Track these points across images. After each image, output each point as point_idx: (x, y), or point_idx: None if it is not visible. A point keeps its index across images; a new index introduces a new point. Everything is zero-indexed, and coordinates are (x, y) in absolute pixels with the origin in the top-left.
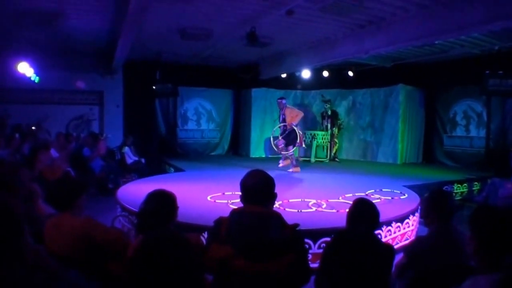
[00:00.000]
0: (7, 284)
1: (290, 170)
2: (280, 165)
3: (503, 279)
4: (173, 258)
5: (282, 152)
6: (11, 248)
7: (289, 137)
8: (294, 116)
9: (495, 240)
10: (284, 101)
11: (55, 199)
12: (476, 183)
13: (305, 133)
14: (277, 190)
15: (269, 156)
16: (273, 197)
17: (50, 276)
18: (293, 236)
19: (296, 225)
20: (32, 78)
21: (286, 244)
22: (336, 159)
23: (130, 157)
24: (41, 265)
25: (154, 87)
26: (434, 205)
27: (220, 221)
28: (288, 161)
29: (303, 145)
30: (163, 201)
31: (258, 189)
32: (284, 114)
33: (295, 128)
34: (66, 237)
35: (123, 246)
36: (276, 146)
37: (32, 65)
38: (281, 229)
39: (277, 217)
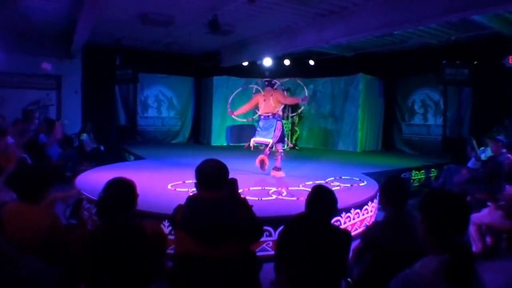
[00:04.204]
0: None
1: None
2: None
3: (450, 259)
4: (125, 246)
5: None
6: None
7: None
8: None
9: (443, 223)
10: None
11: (22, 188)
12: (433, 169)
13: None
14: (238, 178)
15: (231, 144)
16: (225, 182)
17: (8, 262)
18: (247, 217)
19: (250, 206)
20: None
21: (240, 226)
22: (296, 147)
23: (89, 145)
24: None
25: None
26: (389, 190)
27: (177, 208)
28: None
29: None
30: (122, 189)
31: (211, 175)
32: None
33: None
34: (29, 226)
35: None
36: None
37: None
38: (233, 212)
39: (230, 200)
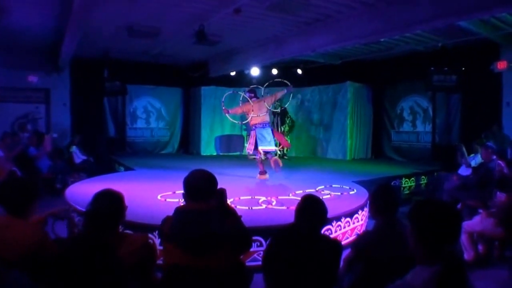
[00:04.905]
0: None
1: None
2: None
3: (442, 269)
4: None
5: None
6: None
7: None
8: None
9: (433, 232)
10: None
11: (8, 201)
12: (423, 177)
13: None
14: (227, 187)
15: (220, 154)
16: (213, 193)
17: None
18: (235, 228)
19: (239, 216)
20: None
21: (228, 237)
22: (285, 157)
23: (78, 156)
24: None
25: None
26: (378, 199)
27: (165, 220)
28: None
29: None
30: (110, 201)
31: (199, 186)
32: None
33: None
34: (16, 240)
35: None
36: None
37: None
38: (222, 222)
39: (218, 211)
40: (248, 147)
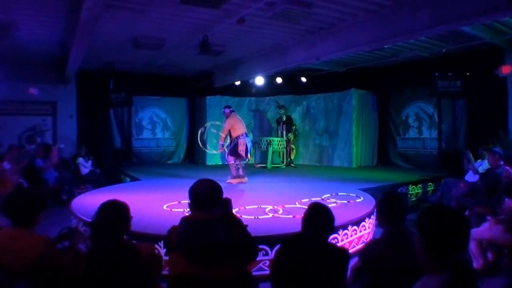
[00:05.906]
0: None
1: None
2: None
3: (451, 278)
4: (118, 268)
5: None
6: None
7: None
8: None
9: (441, 240)
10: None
11: (14, 213)
12: (430, 183)
13: (261, 140)
14: (233, 197)
15: (225, 163)
16: (219, 202)
17: None
18: (241, 237)
19: (245, 225)
20: None
21: (235, 247)
22: (292, 165)
23: (85, 167)
24: None
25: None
26: (386, 207)
27: (171, 230)
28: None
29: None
30: (115, 212)
31: (205, 196)
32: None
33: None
34: (23, 252)
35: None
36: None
37: None
38: (229, 232)
39: (224, 221)
40: (244, 156)
